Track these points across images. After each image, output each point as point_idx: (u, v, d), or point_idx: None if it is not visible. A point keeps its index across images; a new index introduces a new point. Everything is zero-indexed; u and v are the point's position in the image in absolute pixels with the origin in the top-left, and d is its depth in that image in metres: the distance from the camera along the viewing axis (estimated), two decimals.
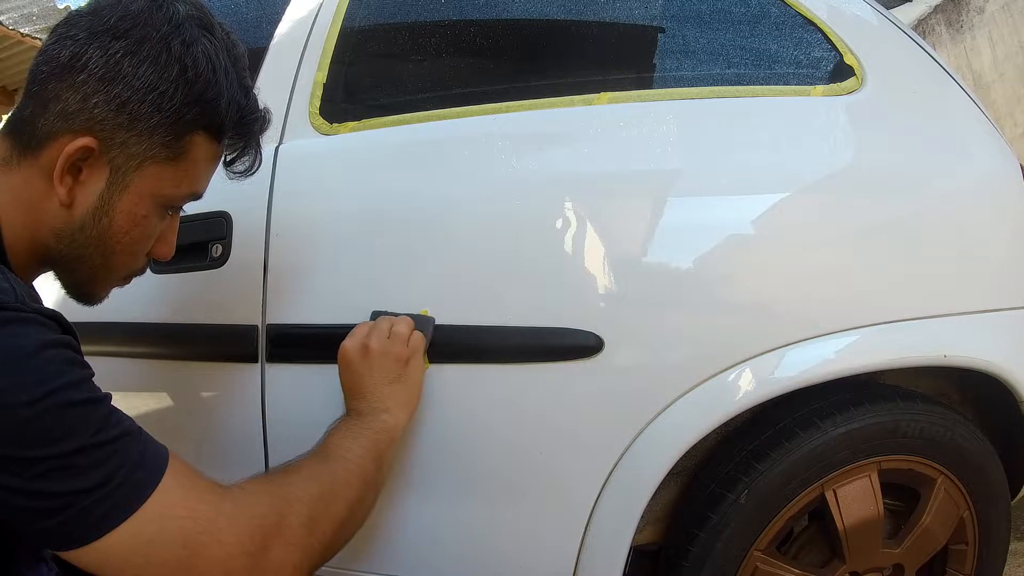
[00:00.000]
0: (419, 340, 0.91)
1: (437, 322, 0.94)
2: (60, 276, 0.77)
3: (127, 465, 0.61)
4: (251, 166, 0.85)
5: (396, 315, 0.94)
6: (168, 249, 0.83)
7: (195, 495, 0.65)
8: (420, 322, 0.93)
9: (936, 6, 3.28)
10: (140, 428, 0.66)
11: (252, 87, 0.81)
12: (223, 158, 0.83)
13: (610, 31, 1.16)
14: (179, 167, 0.75)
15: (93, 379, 0.64)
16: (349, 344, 0.90)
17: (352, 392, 0.89)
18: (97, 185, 0.71)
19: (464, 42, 1.20)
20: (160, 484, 0.62)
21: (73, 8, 0.76)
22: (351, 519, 0.77)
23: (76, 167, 0.70)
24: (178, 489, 0.63)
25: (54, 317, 0.63)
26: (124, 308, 1.06)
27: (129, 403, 1.19)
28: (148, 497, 0.61)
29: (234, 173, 0.85)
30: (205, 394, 1.11)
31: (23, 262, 0.71)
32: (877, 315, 0.93)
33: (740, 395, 0.91)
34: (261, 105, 0.83)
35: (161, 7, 0.72)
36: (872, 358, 0.93)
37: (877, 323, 0.93)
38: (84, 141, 0.68)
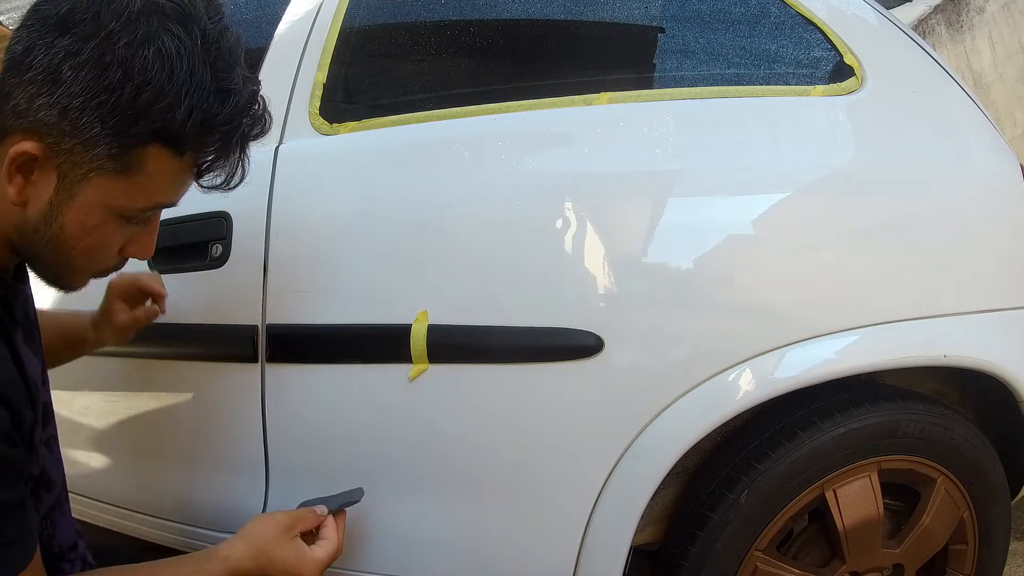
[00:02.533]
0: None
1: (437, 322, 0.94)
2: (30, 267, 0.74)
3: None
4: (228, 180, 0.73)
5: (324, 505, 0.90)
6: (142, 250, 0.75)
7: None
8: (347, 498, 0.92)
9: (936, 6, 3.28)
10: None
11: (242, 87, 0.69)
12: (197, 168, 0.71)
13: (610, 31, 1.16)
14: (131, 180, 0.67)
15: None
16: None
17: (256, 557, 0.82)
18: (47, 189, 0.66)
19: (464, 42, 1.20)
20: None
21: None
22: None
23: (28, 167, 0.65)
24: None
25: None
26: None
27: (130, 403, 1.19)
28: None
29: (206, 187, 0.74)
30: (205, 394, 1.11)
31: None
32: (877, 315, 0.93)
33: (740, 395, 0.91)
34: (258, 106, 0.71)
35: None
36: (872, 358, 0.93)
37: (877, 323, 0.93)
38: (27, 147, 0.63)
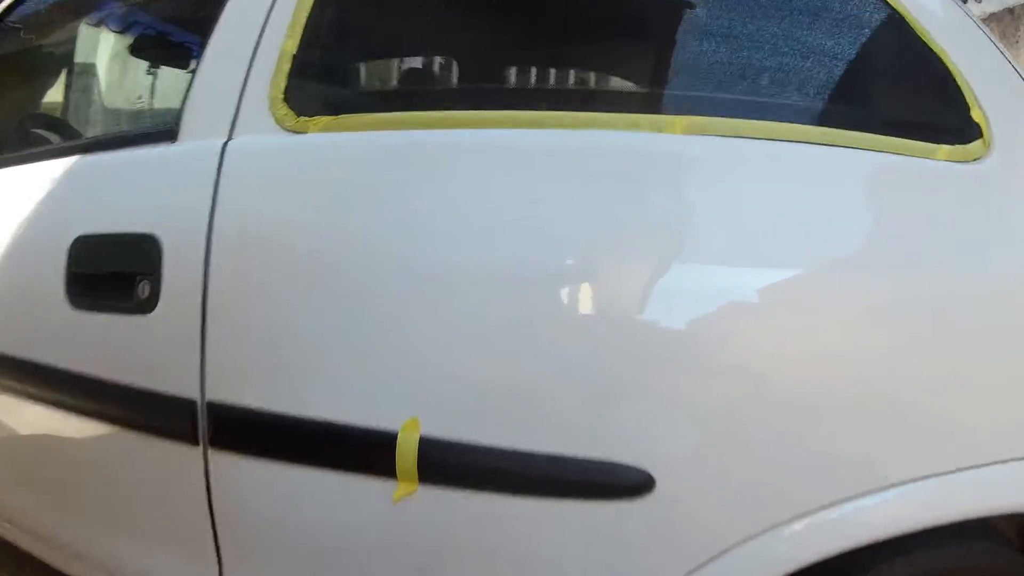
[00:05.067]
0: None
1: (432, 432, 0.72)
2: None
3: None
4: None
5: None
6: None
7: None
8: None
9: (991, 14, 2.99)
10: None
11: None
12: None
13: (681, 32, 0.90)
14: None
15: None
16: None
17: None
18: None
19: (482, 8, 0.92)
20: None
21: None
22: None
23: None
24: None
25: None
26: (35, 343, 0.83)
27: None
28: None
29: None
30: (140, 471, 0.88)
31: None
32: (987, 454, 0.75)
33: (802, 550, 0.73)
34: None
35: None
36: (964, 505, 0.76)
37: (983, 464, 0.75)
38: None
